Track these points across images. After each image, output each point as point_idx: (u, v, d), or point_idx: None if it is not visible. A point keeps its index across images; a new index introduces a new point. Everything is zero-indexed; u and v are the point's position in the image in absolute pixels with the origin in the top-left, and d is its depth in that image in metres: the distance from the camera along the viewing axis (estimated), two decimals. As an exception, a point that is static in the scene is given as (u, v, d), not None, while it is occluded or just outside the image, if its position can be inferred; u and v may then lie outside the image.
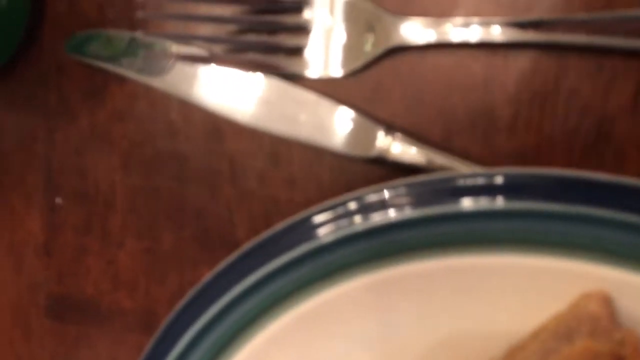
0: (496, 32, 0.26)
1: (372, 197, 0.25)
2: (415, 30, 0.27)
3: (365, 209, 0.25)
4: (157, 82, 0.31)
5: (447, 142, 0.28)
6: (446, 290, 0.25)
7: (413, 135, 0.28)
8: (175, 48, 0.29)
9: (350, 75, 0.28)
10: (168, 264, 0.33)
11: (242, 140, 0.31)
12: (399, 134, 0.28)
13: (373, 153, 0.28)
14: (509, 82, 0.27)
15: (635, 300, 0.23)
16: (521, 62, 0.27)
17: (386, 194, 0.25)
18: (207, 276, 0.26)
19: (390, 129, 0.28)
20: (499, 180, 0.24)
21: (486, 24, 0.25)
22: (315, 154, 0.30)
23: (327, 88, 0.29)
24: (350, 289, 0.26)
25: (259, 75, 0.29)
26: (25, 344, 0.35)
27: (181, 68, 0.30)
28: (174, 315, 0.27)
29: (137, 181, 0.33)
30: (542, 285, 0.25)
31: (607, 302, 0.23)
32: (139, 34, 0.28)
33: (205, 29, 0.29)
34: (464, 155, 0.28)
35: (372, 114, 0.28)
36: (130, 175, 0.33)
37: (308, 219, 0.25)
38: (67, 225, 0.34)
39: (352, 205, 0.25)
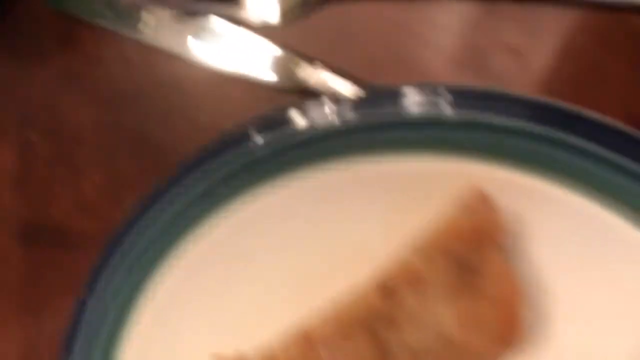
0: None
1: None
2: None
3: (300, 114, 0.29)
4: (125, 31, 0.35)
5: (368, 79, 0.33)
6: (352, 195, 0.30)
7: (337, 70, 0.33)
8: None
9: (287, 22, 0.33)
10: (128, 191, 0.37)
11: (196, 79, 0.36)
12: (324, 69, 0.33)
13: (302, 85, 0.33)
14: (417, 28, 0.33)
15: (503, 191, 0.29)
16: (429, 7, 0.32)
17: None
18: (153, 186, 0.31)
19: (317, 65, 0.33)
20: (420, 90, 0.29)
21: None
22: (258, 89, 0.35)
23: (266, 33, 0.34)
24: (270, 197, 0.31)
25: (207, 18, 0.34)
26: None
27: (146, 18, 0.35)
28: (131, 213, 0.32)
29: (102, 117, 0.37)
30: (435, 185, 0.30)
31: (482, 192, 0.29)
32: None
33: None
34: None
35: (303, 53, 0.34)
36: (97, 112, 0.37)
37: (248, 126, 0.30)
38: (39, 159, 0.38)
39: (291, 112, 0.29)
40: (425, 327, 0.28)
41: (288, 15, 0.33)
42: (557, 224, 0.29)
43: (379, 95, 0.29)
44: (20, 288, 0.36)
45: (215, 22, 0.34)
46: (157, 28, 0.35)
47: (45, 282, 0.37)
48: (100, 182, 0.37)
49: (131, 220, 0.32)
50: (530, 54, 0.32)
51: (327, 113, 0.30)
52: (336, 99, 0.30)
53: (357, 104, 0.29)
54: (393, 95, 0.29)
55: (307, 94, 0.33)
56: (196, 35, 0.34)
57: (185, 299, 0.33)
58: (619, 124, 0.28)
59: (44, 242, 0.37)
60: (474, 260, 0.27)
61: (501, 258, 0.27)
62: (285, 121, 0.30)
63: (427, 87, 0.29)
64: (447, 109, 0.29)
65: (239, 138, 0.30)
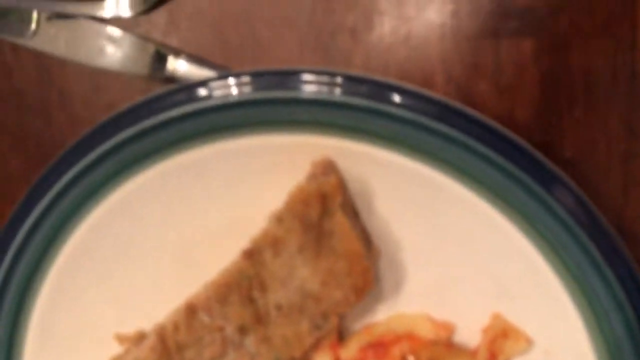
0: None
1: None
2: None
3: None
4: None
5: (225, 62, 0.36)
6: (223, 171, 0.34)
7: (196, 57, 0.36)
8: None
9: (143, 14, 0.36)
10: (17, 186, 0.39)
11: (66, 74, 0.38)
12: (184, 57, 0.36)
13: (166, 74, 0.36)
14: (265, 12, 0.36)
15: (351, 161, 0.33)
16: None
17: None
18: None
19: (178, 53, 0.36)
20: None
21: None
22: (126, 80, 0.37)
23: (132, 26, 0.36)
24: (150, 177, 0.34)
25: (76, 20, 0.36)
26: None
27: (17, 21, 0.37)
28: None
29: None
30: (295, 158, 0.33)
31: (326, 162, 0.32)
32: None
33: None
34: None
35: (164, 44, 0.36)
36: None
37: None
38: None
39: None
40: (288, 285, 0.32)
41: (139, 8, 0.35)
42: (397, 184, 0.33)
43: (274, 77, 0.32)
44: None
45: (83, 21, 0.36)
46: (27, 29, 0.37)
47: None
48: (-12, 180, 0.39)
49: (19, 214, 0.35)
50: (366, 32, 0.35)
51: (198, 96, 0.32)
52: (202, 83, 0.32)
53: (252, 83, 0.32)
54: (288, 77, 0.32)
55: (173, 83, 0.36)
56: (66, 34, 0.36)
57: (82, 283, 0.36)
58: (434, 94, 0.32)
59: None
60: (322, 221, 0.31)
61: (342, 216, 0.31)
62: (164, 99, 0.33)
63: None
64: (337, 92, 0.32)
65: (111, 125, 0.33)
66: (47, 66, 0.38)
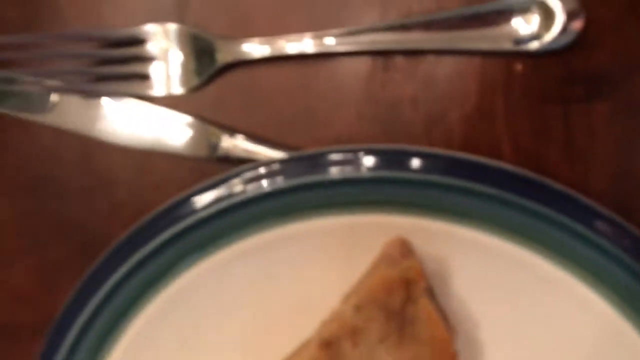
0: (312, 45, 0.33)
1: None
2: (248, 48, 0.33)
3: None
4: (35, 117, 0.35)
5: (280, 138, 0.34)
6: (279, 256, 0.32)
7: (252, 135, 0.34)
8: (44, 83, 0.34)
9: (193, 91, 0.34)
10: (59, 275, 0.37)
11: (109, 157, 0.36)
12: (240, 136, 0.34)
13: (220, 153, 0.34)
14: (321, 86, 0.34)
15: (425, 239, 0.31)
16: (329, 67, 0.34)
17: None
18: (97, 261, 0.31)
19: (233, 132, 0.34)
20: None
21: (319, 37, 0.32)
22: (175, 160, 0.35)
23: (181, 104, 0.35)
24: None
25: (120, 100, 0.35)
26: None
27: (55, 103, 0.35)
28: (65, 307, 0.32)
29: (22, 205, 0.37)
30: (361, 239, 0.31)
31: (402, 242, 0.30)
32: (10, 73, 0.32)
33: (65, 65, 0.35)
34: (295, 147, 0.34)
35: (216, 121, 0.35)
36: (16, 200, 0.37)
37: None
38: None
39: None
40: (368, 378, 0.30)
41: (190, 84, 0.34)
42: (475, 262, 0.31)
43: (304, 160, 0.31)
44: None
45: (126, 101, 0.34)
46: (66, 111, 0.35)
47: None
48: (31, 271, 0.36)
49: (71, 309, 0.32)
50: (427, 102, 0.34)
51: (261, 179, 0.31)
52: (267, 165, 0.31)
53: (287, 169, 0.30)
54: (317, 159, 0.31)
55: (227, 163, 0.34)
56: (107, 114, 0.35)
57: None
58: (519, 170, 0.30)
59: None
60: (404, 308, 0.29)
61: (427, 302, 0.29)
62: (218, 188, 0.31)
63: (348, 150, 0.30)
64: (365, 170, 0.30)
65: (168, 210, 0.31)
66: (86, 149, 0.36)
